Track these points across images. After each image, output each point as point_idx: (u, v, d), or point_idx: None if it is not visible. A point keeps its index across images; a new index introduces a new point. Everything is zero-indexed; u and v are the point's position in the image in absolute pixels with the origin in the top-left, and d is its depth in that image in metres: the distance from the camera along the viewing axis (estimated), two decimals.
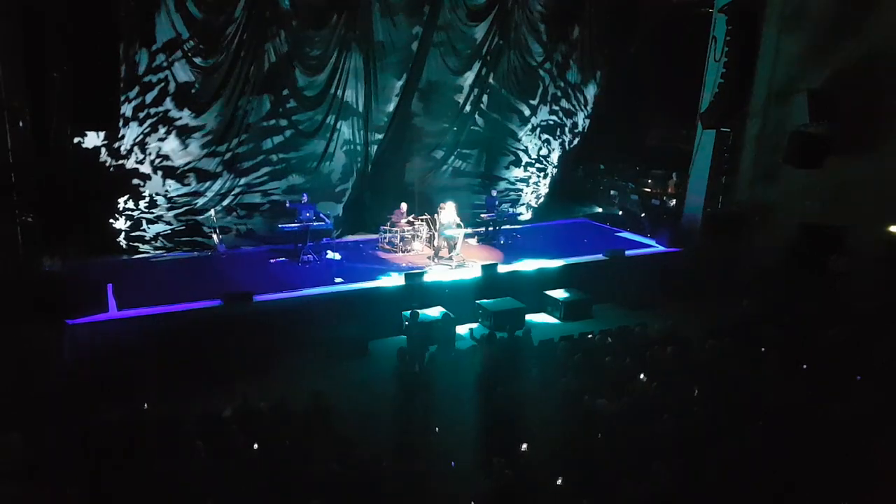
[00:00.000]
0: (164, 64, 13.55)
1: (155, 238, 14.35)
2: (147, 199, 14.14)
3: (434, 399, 8.71)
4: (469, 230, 15.40)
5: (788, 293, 13.00)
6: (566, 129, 19.19)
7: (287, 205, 14.44)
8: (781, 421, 7.84)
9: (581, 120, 19.27)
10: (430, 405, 8.58)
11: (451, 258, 14.49)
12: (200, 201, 14.69)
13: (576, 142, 19.38)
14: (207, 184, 14.71)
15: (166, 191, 14.30)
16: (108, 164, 13.56)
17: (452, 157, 17.83)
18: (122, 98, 12.98)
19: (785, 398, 8.40)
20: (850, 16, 14.32)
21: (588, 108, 19.15)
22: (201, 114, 14.16)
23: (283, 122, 15.26)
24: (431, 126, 17.34)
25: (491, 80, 17.65)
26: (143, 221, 14.21)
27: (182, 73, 13.78)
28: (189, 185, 14.51)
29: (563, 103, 18.92)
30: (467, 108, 17.56)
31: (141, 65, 13.38)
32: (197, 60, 13.80)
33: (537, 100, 18.44)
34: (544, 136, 18.95)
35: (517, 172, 18.92)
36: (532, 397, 8.56)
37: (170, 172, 14.26)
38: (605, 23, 18.30)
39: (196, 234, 14.76)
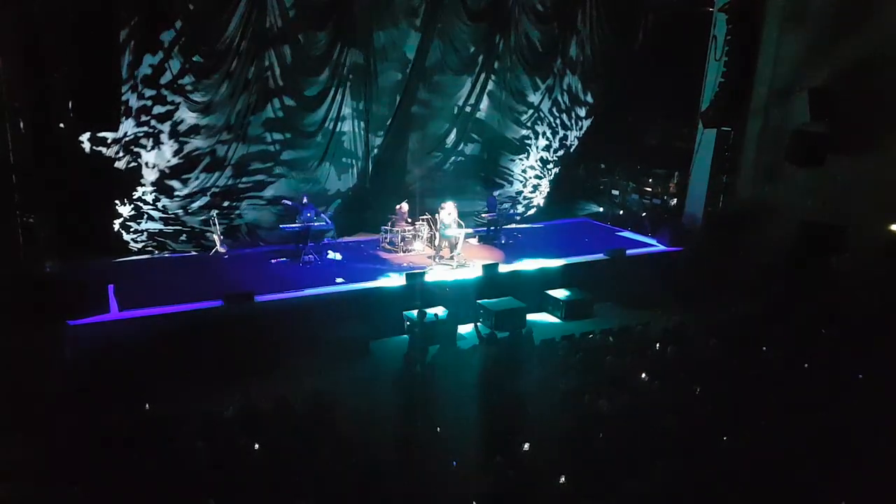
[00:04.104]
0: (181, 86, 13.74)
1: (150, 236, 14.32)
2: (146, 197, 14.11)
3: (435, 398, 8.71)
4: (470, 230, 15.39)
5: (789, 292, 13.00)
6: (557, 138, 19.20)
7: (290, 203, 14.42)
8: (782, 420, 7.84)
9: (571, 136, 19.33)
10: (431, 405, 8.58)
11: (451, 258, 14.49)
12: (201, 201, 14.68)
13: (561, 152, 19.37)
14: (208, 184, 14.70)
15: (165, 190, 14.28)
16: (107, 164, 13.53)
17: (454, 156, 17.82)
18: (130, 88, 13.08)
19: (786, 397, 8.40)
20: (851, 14, 14.32)
21: (580, 131, 19.28)
22: (201, 112, 14.16)
23: (284, 122, 15.27)
24: (433, 124, 17.35)
25: (492, 79, 17.63)
26: (142, 219, 14.19)
27: (192, 88, 13.89)
28: (189, 184, 14.50)
29: (564, 117, 19.00)
30: (468, 106, 17.56)
31: (169, 72, 13.54)
32: (196, 59, 13.81)
33: (541, 92, 18.41)
34: (542, 143, 19.00)
35: (519, 171, 18.92)
36: (534, 396, 8.55)
37: (170, 172, 14.25)
38: (607, 22, 18.33)
39: (192, 234, 14.74)
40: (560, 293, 13.93)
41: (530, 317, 13.42)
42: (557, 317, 13.76)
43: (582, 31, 18.22)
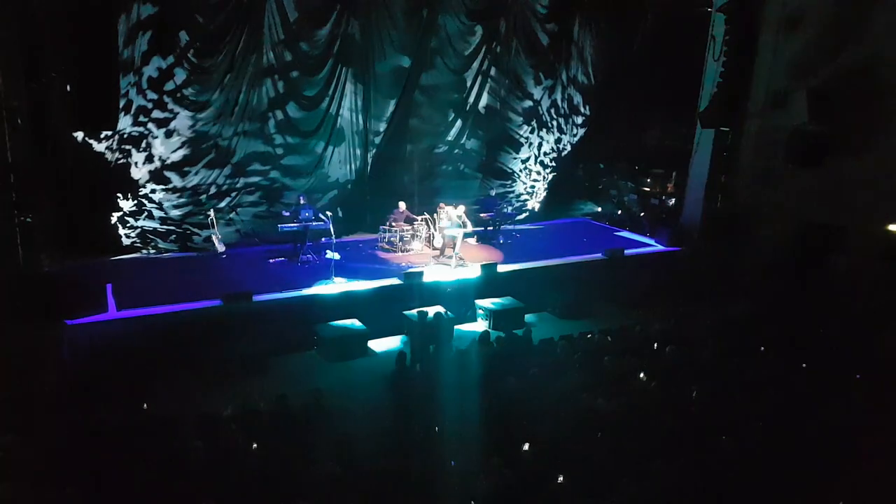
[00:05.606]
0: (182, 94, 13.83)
1: (142, 233, 14.28)
2: (143, 197, 14.11)
3: (433, 398, 8.69)
4: (468, 229, 15.37)
5: (788, 292, 13.00)
6: (554, 139, 19.25)
7: (284, 213, 14.38)
8: (781, 420, 7.84)
9: (565, 141, 19.39)
10: (430, 405, 8.57)
11: (450, 258, 14.48)
12: (198, 201, 14.66)
13: (559, 154, 19.42)
14: (206, 184, 14.69)
15: (163, 190, 14.26)
16: (103, 162, 13.51)
17: (453, 156, 17.81)
18: (131, 84, 13.10)
19: (784, 397, 8.40)
20: (850, 15, 14.33)
21: (575, 138, 19.36)
22: (199, 112, 14.17)
23: (282, 122, 15.25)
24: (431, 125, 17.35)
25: (491, 78, 17.65)
26: (140, 215, 14.17)
27: (194, 91, 13.97)
28: (187, 184, 14.49)
29: (561, 122, 19.08)
30: (467, 105, 17.56)
31: (174, 79, 13.61)
32: (195, 60, 13.81)
33: (542, 88, 18.47)
34: (541, 143, 19.02)
35: (518, 170, 18.91)
36: (532, 396, 8.55)
37: (168, 171, 14.24)
38: (606, 21, 18.35)
39: (183, 235, 14.70)
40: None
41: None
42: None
43: (581, 30, 18.24)
